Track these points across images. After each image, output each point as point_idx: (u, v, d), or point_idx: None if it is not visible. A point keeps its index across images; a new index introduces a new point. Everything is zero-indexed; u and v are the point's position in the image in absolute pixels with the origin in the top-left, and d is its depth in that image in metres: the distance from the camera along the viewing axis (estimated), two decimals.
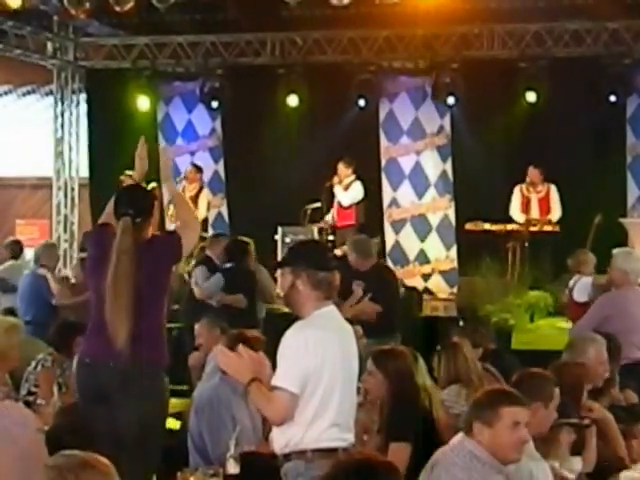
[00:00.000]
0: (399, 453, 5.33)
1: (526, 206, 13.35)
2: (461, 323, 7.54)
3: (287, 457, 4.47)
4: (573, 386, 5.53)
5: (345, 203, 13.69)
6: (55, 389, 6.74)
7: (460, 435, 4.43)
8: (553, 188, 13.33)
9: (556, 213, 13.27)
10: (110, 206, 5.53)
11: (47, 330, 7.96)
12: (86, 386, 5.37)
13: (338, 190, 13.68)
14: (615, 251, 8.64)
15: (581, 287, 9.70)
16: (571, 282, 9.98)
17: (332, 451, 4.38)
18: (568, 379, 5.48)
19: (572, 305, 9.87)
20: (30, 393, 7.00)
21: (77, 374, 5.52)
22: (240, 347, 4.58)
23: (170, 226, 12.86)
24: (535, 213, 13.33)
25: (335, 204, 13.81)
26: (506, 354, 7.91)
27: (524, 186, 13.39)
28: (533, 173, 13.32)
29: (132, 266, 5.19)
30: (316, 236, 13.45)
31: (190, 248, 5.73)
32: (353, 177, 13.74)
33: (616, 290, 8.37)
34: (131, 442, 5.20)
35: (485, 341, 7.46)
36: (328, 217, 13.79)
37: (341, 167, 13.71)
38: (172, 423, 6.49)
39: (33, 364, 7.20)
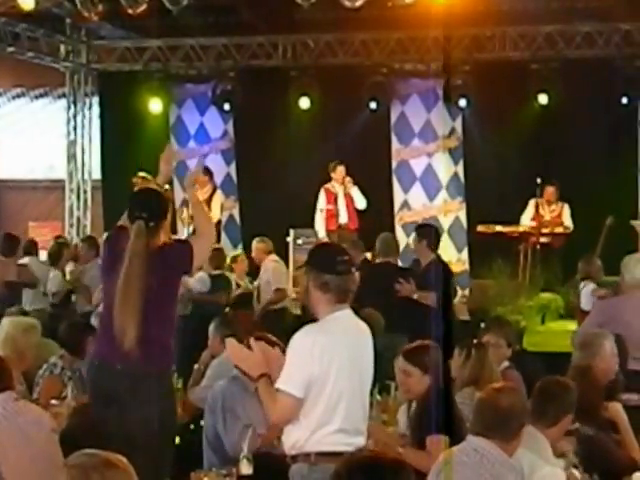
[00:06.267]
0: (437, 445, 5.22)
1: (538, 221, 13.31)
2: (482, 325, 7.50)
3: (294, 459, 4.51)
4: (596, 389, 5.57)
5: (362, 206, 13.69)
6: (69, 390, 6.78)
7: (468, 436, 4.43)
8: (566, 207, 13.32)
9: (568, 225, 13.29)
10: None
11: None
12: (96, 387, 5.39)
13: (355, 192, 13.65)
14: (626, 258, 8.63)
15: (585, 295, 9.69)
16: (580, 288, 9.97)
17: (336, 455, 4.34)
18: (592, 382, 5.52)
19: (579, 312, 9.86)
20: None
21: (88, 375, 5.57)
22: (252, 341, 4.60)
23: (183, 229, 12.93)
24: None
25: (341, 207, 13.77)
26: (530, 355, 7.89)
27: (539, 201, 13.32)
28: (549, 191, 13.23)
29: (143, 269, 5.21)
30: (323, 237, 13.45)
31: (204, 258, 5.76)
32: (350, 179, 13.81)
33: (616, 296, 8.36)
34: (142, 444, 5.22)
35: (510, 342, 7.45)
36: (343, 220, 13.76)
37: (342, 170, 13.72)
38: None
39: (44, 367, 7.22)
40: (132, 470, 3.15)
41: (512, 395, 4.50)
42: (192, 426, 6.72)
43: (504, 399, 4.41)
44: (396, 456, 3.52)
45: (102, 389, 5.30)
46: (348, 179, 13.67)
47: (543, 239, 13.00)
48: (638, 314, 7.99)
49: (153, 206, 5.42)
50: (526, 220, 13.36)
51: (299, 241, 13.54)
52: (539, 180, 13.30)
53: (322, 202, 13.85)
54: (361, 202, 13.67)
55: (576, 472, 4.85)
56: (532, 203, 13.39)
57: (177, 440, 5.73)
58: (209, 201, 13.79)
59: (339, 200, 13.74)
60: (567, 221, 13.30)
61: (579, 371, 5.78)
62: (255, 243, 12.27)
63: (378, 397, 6.36)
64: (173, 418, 5.52)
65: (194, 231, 5.78)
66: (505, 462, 4.25)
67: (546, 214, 13.33)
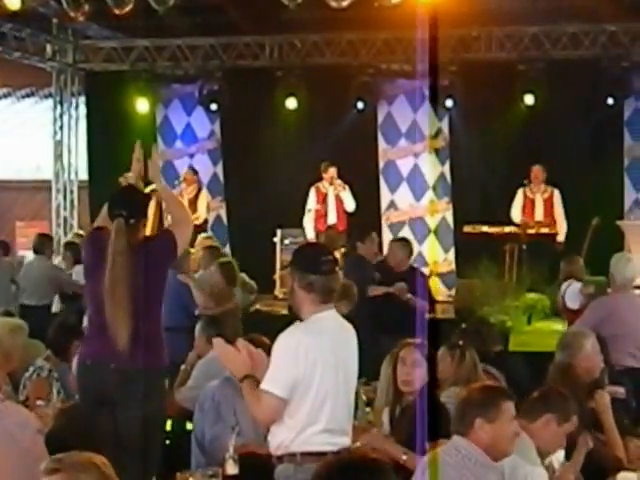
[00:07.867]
0: None
1: (530, 208, 13.34)
2: (463, 325, 7.53)
3: (279, 459, 4.52)
4: (579, 388, 5.59)
5: (351, 209, 13.74)
6: (54, 391, 6.77)
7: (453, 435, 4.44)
8: (557, 194, 13.33)
9: (562, 226, 13.25)
10: (105, 209, 5.55)
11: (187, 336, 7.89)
12: (88, 388, 5.38)
13: (346, 195, 13.71)
14: (615, 256, 8.69)
15: (571, 294, 9.73)
16: (563, 288, 10.02)
17: (322, 455, 4.37)
18: (574, 381, 5.54)
19: (566, 311, 9.91)
20: (28, 398, 7.00)
21: (78, 376, 5.53)
22: (239, 341, 4.61)
23: None
24: (539, 214, 13.33)
25: (330, 207, 13.80)
26: (512, 355, 7.93)
27: (527, 188, 13.38)
28: (536, 169, 13.29)
29: (128, 267, 5.21)
30: (311, 238, 13.47)
31: (186, 243, 5.77)
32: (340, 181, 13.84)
33: (611, 295, 8.43)
34: (132, 443, 5.23)
35: (489, 343, 7.45)
36: (332, 220, 13.79)
37: (333, 171, 13.75)
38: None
39: (31, 370, 7.20)
40: (109, 471, 3.12)
41: (475, 388, 4.51)
42: (177, 427, 6.71)
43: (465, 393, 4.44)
44: (376, 456, 3.51)
45: (95, 388, 5.29)
46: (339, 182, 13.72)
47: (531, 231, 13.04)
48: (634, 311, 8.09)
49: (133, 204, 5.42)
50: (515, 210, 13.38)
51: (286, 241, 13.56)
52: (532, 176, 13.34)
53: (312, 201, 13.88)
54: (350, 205, 13.72)
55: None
56: (520, 192, 13.41)
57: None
58: (195, 200, 13.81)
59: (328, 200, 13.78)
60: (559, 215, 13.29)
61: (560, 369, 5.81)
62: (201, 239, 12.07)
63: (364, 397, 6.37)
64: (163, 417, 5.53)
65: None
66: (486, 462, 4.25)
67: (537, 196, 13.32)
